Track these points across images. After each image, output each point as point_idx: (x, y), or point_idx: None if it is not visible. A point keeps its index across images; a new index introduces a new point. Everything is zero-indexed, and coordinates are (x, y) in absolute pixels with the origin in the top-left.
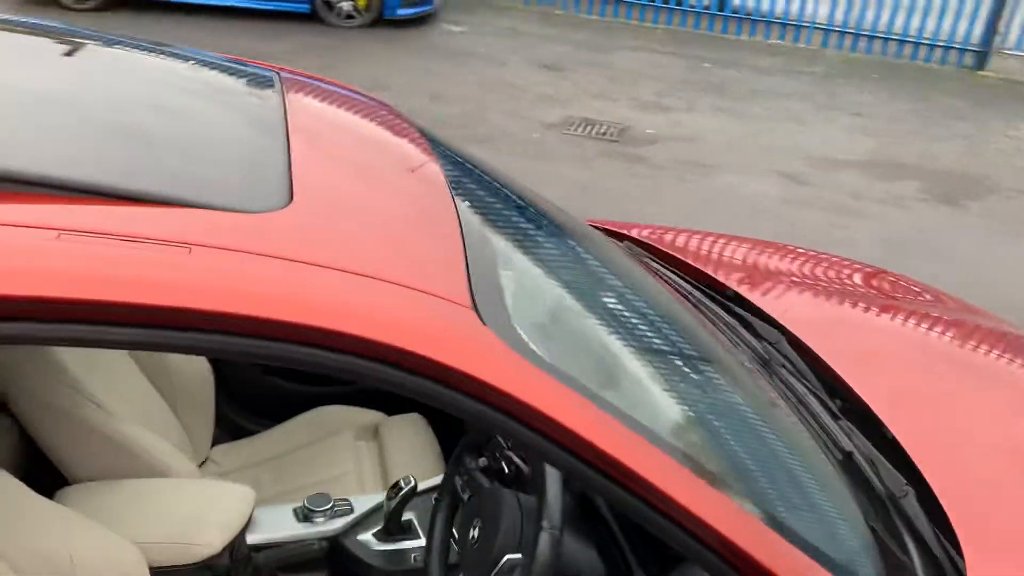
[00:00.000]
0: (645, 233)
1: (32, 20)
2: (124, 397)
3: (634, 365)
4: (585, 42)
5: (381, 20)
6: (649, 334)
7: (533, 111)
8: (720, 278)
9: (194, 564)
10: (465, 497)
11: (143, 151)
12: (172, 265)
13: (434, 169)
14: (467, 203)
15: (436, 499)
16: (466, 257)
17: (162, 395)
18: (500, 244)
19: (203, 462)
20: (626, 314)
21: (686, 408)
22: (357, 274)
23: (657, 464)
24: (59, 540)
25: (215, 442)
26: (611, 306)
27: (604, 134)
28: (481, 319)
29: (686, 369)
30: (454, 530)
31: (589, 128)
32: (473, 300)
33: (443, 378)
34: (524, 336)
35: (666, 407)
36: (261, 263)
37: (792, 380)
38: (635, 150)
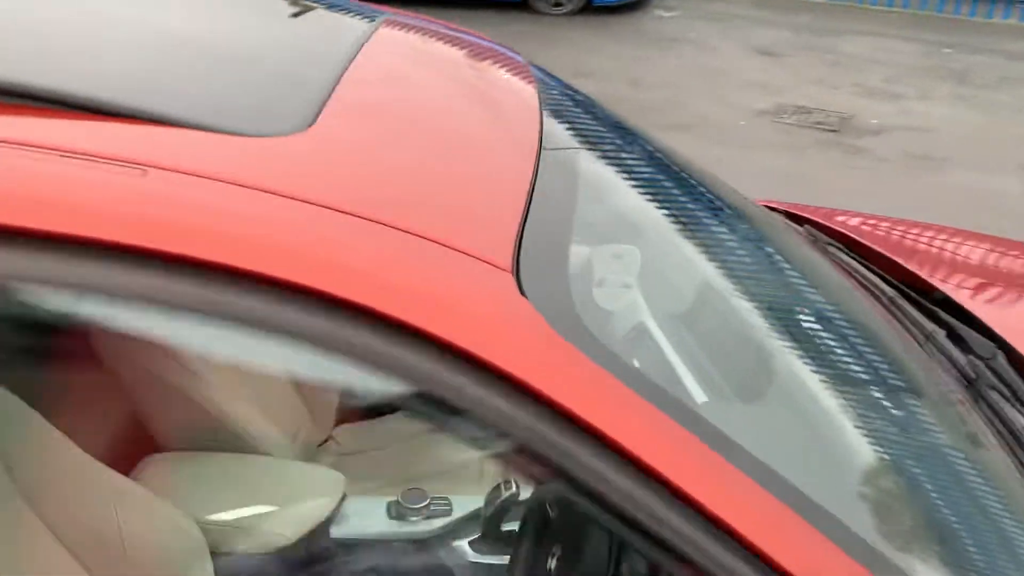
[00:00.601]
0: (837, 219)
1: None
2: (233, 367)
3: (773, 377)
4: (806, 25)
5: (590, 7)
6: (806, 340)
7: (741, 98)
8: (925, 276)
9: (264, 554)
10: (553, 514)
11: (144, 66)
12: (116, 188)
13: (530, 114)
14: (563, 153)
15: (524, 515)
16: (527, 211)
17: None
18: (595, 205)
19: (324, 441)
20: (775, 311)
21: (843, 443)
22: (349, 214)
23: (794, 533)
24: (111, 512)
25: (344, 420)
26: (752, 299)
27: (821, 123)
28: (520, 287)
29: (850, 389)
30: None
31: (804, 116)
32: (516, 262)
33: (432, 354)
34: (587, 318)
35: (807, 439)
36: (228, 193)
37: (1007, 408)
38: (856, 141)
